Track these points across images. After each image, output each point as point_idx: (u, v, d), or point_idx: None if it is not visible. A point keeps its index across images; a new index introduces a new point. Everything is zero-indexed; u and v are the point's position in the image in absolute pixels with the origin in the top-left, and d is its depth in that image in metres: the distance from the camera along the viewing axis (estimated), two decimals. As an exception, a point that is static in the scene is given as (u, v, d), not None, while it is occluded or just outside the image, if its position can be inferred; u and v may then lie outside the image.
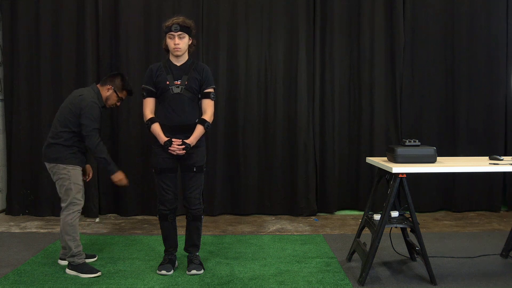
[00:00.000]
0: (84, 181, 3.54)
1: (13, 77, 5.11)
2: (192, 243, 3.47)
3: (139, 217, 5.10)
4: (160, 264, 3.42)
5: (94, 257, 3.65)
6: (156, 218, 4.78)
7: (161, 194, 3.38)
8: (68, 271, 3.36)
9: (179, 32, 3.25)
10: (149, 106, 3.36)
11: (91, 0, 5.01)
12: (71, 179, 3.35)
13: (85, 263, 3.37)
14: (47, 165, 3.43)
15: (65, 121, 3.35)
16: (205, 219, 4.70)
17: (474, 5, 5.24)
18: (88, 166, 3.65)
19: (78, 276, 3.29)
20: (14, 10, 5.06)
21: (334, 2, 5.16)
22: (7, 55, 5.14)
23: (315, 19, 5.14)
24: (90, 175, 3.70)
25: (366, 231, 3.55)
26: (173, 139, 3.26)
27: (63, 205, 3.38)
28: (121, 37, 5.03)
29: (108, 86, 3.50)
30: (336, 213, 5.26)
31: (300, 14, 5.13)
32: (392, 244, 3.63)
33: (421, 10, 5.22)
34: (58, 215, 4.99)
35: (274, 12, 5.16)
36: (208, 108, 3.39)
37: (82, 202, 3.41)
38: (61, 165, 3.34)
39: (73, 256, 3.33)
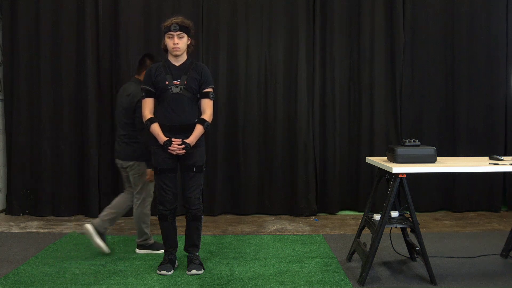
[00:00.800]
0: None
1: (13, 77, 5.11)
2: (192, 243, 3.47)
3: (139, 217, 5.09)
4: (160, 264, 3.42)
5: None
6: (156, 218, 4.75)
7: (161, 194, 3.37)
8: (139, 251, 3.85)
9: (178, 32, 3.26)
10: (148, 106, 3.36)
11: (91, 0, 5.01)
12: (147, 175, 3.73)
13: (155, 243, 3.87)
14: (124, 163, 3.76)
15: (128, 122, 3.71)
16: (205, 219, 4.71)
17: (474, 5, 5.24)
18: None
19: (152, 253, 3.81)
20: (14, 10, 5.06)
21: (334, 2, 5.16)
22: (7, 55, 5.14)
23: (315, 19, 5.14)
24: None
25: (366, 231, 3.55)
26: (172, 139, 3.26)
27: (139, 197, 3.77)
28: (121, 37, 5.04)
29: (144, 71, 3.67)
30: (336, 213, 5.26)
31: (300, 14, 5.13)
32: (392, 244, 3.63)
33: (421, 10, 5.23)
34: (58, 215, 5.09)
35: (274, 12, 5.16)
36: (207, 108, 3.39)
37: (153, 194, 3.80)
38: (137, 162, 3.69)
39: (147, 239, 3.83)
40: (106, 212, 3.80)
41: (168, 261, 3.41)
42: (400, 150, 3.20)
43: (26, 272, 3.36)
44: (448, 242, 4.12)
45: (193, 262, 3.40)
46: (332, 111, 5.23)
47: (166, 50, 3.39)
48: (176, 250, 3.51)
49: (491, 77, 5.26)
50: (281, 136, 5.19)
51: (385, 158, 3.46)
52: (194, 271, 3.33)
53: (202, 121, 3.34)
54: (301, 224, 4.82)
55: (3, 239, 4.25)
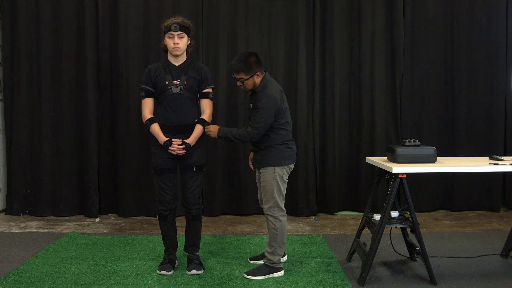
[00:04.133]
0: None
1: (13, 77, 5.11)
2: (192, 243, 3.47)
3: (139, 217, 5.10)
4: (160, 264, 3.42)
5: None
6: (156, 218, 4.78)
7: (161, 194, 3.37)
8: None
9: (179, 32, 3.26)
10: (147, 107, 3.37)
11: (91, 0, 5.02)
12: None
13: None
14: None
15: None
16: (205, 219, 4.71)
17: (474, 5, 5.23)
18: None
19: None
20: (14, 10, 5.06)
21: (334, 2, 5.16)
22: (7, 55, 5.13)
23: (315, 19, 5.14)
24: None
25: (366, 231, 3.55)
26: (173, 139, 3.27)
27: None
28: (121, 37, 5.03)
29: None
30: (336, 213, 5.26)
31: (300, 14, 5.12)
32: (392, 244, 3.63)
33: (421, 10, 5.22)
34: (58, 215, 5.10)
35: (274, 12, 5.15)
36: (207, 108, 3.40)
37: None
38: None
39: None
40: None
41: (168, 261, 3.41)
42: (400, 150, 3.20)
43: (26, 272, 3.36)
44: (448, 242, 4.12)
45: (193, 262, 3.41)
46: (332, 111, 5.22)
47: (165, 50, 3.39)
48: (176, 250, 3.52)
49: (491, 77, 5.26)
50: (281, 136, 5.18)
51: (385, 158, 3.46)
52: (194, 271, 3.33)
53: (202, 121, 3.35)
54: (301, 224, 4.81)
55: (3, 239, 4.25)
